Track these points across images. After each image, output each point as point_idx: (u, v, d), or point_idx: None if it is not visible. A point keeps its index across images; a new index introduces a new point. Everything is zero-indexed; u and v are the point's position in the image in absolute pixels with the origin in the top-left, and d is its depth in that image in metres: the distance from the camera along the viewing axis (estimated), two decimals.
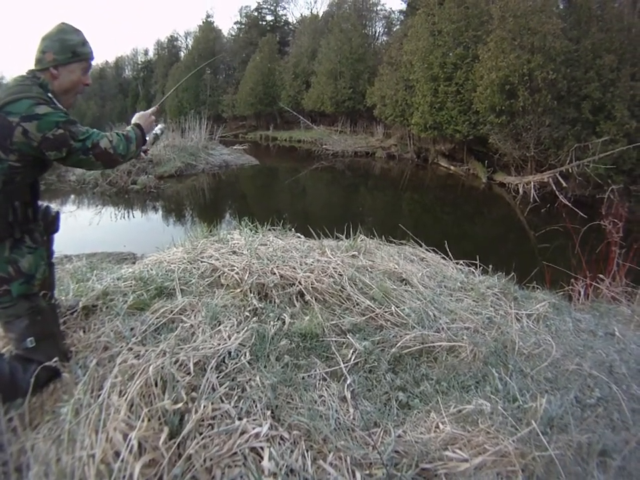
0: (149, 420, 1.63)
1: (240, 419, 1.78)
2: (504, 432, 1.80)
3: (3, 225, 2.02)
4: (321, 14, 38.94)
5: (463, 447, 1.77)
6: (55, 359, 2.07)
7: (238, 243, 3.64)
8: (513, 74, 13.58)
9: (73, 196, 14.60)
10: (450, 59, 17.57)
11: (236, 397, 1.93)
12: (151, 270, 3.25)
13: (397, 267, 3.50)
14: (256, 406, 1.88)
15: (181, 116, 23.96)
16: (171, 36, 54.59)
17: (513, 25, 14.00)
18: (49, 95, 2.09)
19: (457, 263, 4.12)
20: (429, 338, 2.52)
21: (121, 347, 2.26)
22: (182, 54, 51.89)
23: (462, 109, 16.82)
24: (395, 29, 30.97)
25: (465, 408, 1.98)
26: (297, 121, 31.64)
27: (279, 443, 1.69)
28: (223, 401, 1.88)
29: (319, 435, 1.77)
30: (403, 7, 31.34)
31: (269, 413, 1.84)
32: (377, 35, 33.48)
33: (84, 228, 10.18)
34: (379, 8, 33.31)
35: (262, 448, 1.64)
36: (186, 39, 53.80)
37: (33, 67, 2.18)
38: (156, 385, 1.82)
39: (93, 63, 2.32)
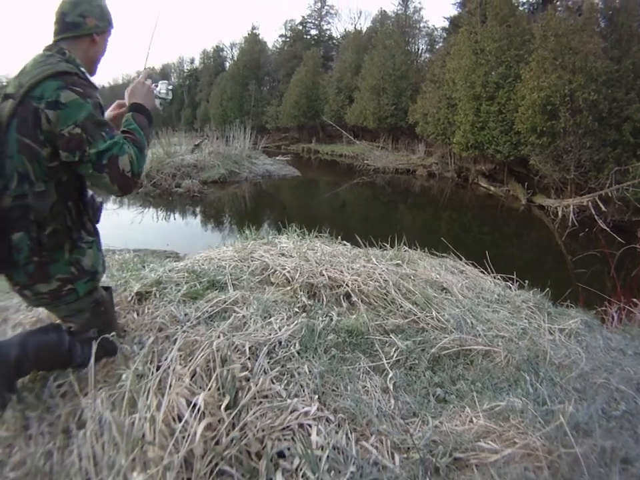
0: (209, 389, 1.78)
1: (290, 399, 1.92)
2: (533, 428, 1.91)
3: (63, 229, 1.94)
4: (364, 29, 39.34)
5: (494, 439, 1.89)
6: (113, 334, 2.12)
7: (286, 247, 3.84)
8: (555, 94, 13.36)
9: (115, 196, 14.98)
10: (492, 78, 17.43)
11: (285, 381, 2.07)
12: (202, 265, 3.44)
13: (438, 276, 3.67)
14: (304, 391, 2.03)
15: (225, 124, 24.37)
16: (217, 46, 56.30)
17: (554, 44, 13.80)
18: (82, 69, 1.95)
19: (495, 277, 4.23)
20: (467, 342, 2.66)
21: (176, 329, 2.41)
22: (227, 64, 52.98)
23: (503, 128, 16.62)
24: (437, 47, 30.82)
25: (498, 405, 2.11)
26: (339, 135, 31.76)
27: (325, 424, 1.83)
28: (273, 383, 2.02)
29: (362, 419, 1.92)
30: (446, 24, 31.21)
31: (316, 397, 1.98)
32: (419, 52, 33.45)
33: (126, 226, 10.52)
34: (421, 25, 33.39)
35: (310, 425, 1.77)
36: (231, 49, 55.25)
37: (56, 35, 2.00)
38: (214, 361, 1.98)
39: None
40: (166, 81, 2.44)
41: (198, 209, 13.96)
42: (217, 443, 1.61)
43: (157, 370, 1.99)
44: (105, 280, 2.75)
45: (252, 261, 3.55)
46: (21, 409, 1.91)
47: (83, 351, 2.06)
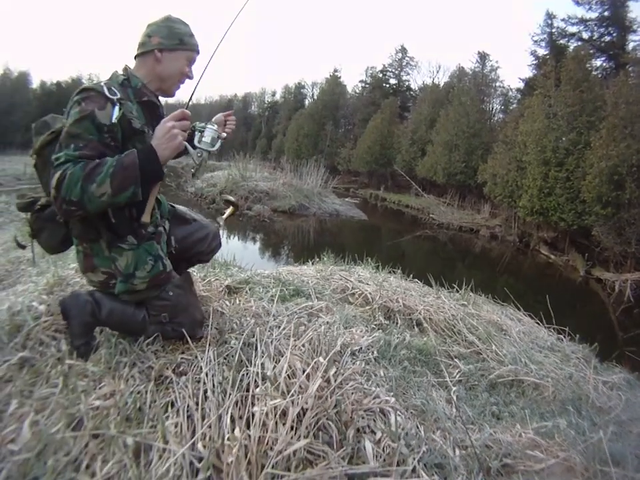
0: (315, 363, 2.10)
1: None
2: (574, 445, 2.19)
3: (87, 227, 2.05)
4: (442, 84, 39.48)
5: (540, 451, 2.16)
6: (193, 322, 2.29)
7: (362, 275, 4.27)
8: (622, 164, 13.12)
9: (188, 207, 15.64)
10: (563, 144, 17.11)
11: (365, 378, 2.41)
12: (287, 276, 3.85)
13: (499, 319, 4.04)
14: (379, 389, 2.34)
15: (299, 159, 24.96)
16: (299, 83, 57.98)
17: (625, 112, 13.63)
18: (128, 89, 2.08)
19: (548, 329, 4.52)
20: (520, 374, 3.01)
21: (271, 319, 2.67)
22: (306, 101, 54.34)
23: (570, 196, 16.22)
24: (511, 107, 30.71)
25: (545, 426, 2.41)
26: (408, 186, 31.82)
27: (399, 414, 2.13)
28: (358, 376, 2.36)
29: (430, 416, 2.27)
30: (521, 85, 31.08)
31: (391, 394, 2.31)
32: (493, 111, 33.11)
33: None
34: (497, 84, 33.03)
35: (389, 412, 2.09)
36: (312, 88, 56.76)
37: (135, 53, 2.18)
38: (318, 341, 2.39)
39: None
40: (215, 128, 2.25)
41: (265, 233, 14.55)
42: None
43: (264, 343, 2.27)
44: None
45: (332, 280, 3.97)
46: (112, 352, 2.13)
47: (154, 330, 2.25)
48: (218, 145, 2.23)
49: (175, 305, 2.24)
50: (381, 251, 16.21)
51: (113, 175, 1.78)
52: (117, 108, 1.92)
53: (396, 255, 15.96)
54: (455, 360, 3.09)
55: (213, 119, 2.54)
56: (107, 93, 1.91)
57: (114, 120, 1.90)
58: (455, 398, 2.61)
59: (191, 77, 2.27)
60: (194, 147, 2.22)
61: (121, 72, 2.15)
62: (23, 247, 2.16)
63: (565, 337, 4.29)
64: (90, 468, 1.56)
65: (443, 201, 28.50)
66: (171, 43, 2.14)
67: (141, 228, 2.13)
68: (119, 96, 1.95)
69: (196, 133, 2.21)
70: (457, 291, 4.79)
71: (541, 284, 14.31)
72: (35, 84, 50.73)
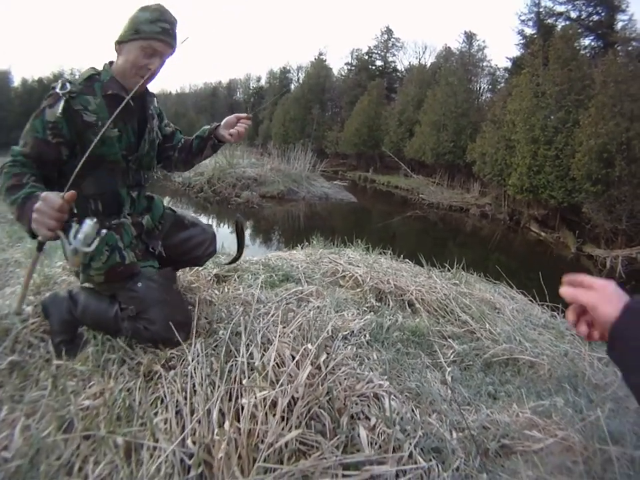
0: (304, 350, 2.08)
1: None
2: (572, 424, 2.17)
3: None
4: (428, 64, 39.59)
5: (538, 431, 2.14)
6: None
7: (353, 257, 4.22)
8: (611, 142, 13.33)
9: (175, 197, 15.54)
10: (551, 122, 17.32)
11: (358, 362, 2.38)
12: (276, 261, 3.82)
13: (492, 297, 3.99)
14: (372, 373, 2.29)
15: (286, 144, 24.90)
16: (284, 67, 57.34)
17: (613, 91, 13.82)
18: (96, 83, 2.05)
19: (541, 306, 4.49)
20: (515, 352, 2.97)
21: (260, 307, 2.64)
22: (292, 86, 53.82)
23: (559, 174, 16.43)
24: (499, 87, 30.72)
25: (542, 405, 2.39)
26: (397, 167, 31.76)
27: (393, 399, 2.10)
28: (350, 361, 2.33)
29: (425, 399, 2.23)
30: (508, 64, 31.20)
31: (385, 377, 2.28)
32: (481, 90, 33.27)
33: None
34: (484, 64, 33.15)
35: (383, 396, 2.05)
36: (297, 72, 56.35)
37: None
38: (308, 327, 2.34)
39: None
40: (94, 222, 1.74)
41: (255, 219, 14.47)
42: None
43: (253, 331, 2.24)
44: None
45: (322, 264, 3.92)
46: (99, 349, 2.11)
47: (127, 328, 2.14)
48: (95, 244, 1.73)
49: (142, 298, 2.10)
50: (372, 232, 16.22)
51: (16, 205, 1.75)
52: (61, 103, 1.91)
53: (386, 236, 15.99)
54: (449, 340, 3.04)
55: (223, 121, 2.46)
56: (58, 89, 1.94)
57: (58, 114, 1.90)
58: (449, 379, 2.58)
59: (152, 69, 2.06)
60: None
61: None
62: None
63: (558, 313, 4.25)
64: (82, 470, 1.54)
65: (432, 180, 28.59)
66: (126, 34, 2.03)
67: (105, 221, 2.07)
68: (67, 89, 1.93)
69: (73, 224, 1.74)
70: (449, 270, 4.75)
71: (532, 261, 14.45)
72: (17, 82, 49.40)
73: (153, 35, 2.00)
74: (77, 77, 2.07)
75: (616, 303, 0.89)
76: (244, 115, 2.45)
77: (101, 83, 2.06)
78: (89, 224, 1.72)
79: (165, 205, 2.58)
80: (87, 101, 1.98)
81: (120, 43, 2.05)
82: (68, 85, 1.94)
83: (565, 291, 0.99)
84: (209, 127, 2.53)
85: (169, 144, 2.55)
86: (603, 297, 0.92)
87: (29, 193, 1.75)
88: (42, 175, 1.92)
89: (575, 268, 14.04)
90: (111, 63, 2.14)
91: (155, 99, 2.43)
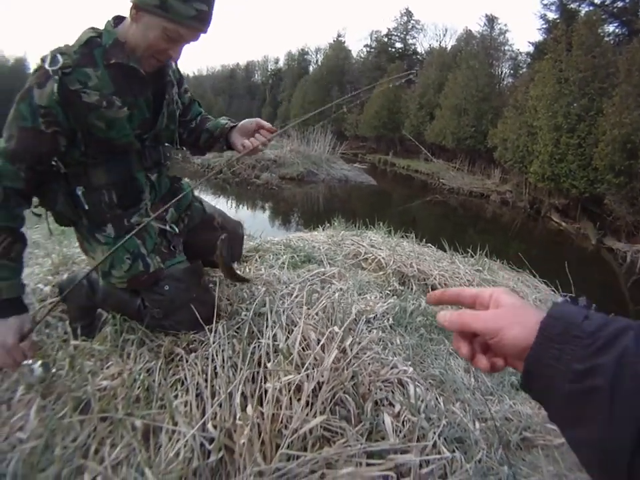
0: (330, 332, 2.00)
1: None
2: None
3: (65, 205, 1.82)
4: (449, 47, 39.02)
5: None
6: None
7: (375, 240, 4.13)
8: (635, 132, 12.97)
9: (195, 179, 15.57)
10: (574, 110, 16.90)
11: (382, 347, 2.29)
12: (297, 242, 3.74)
13: (515, 286, 3.91)
14: (396, 358, 2.23)
15: (305, 126, 24.81)
16: (302, 49, 57.25)
17: (638, 80, 13.46)
18: (95, 50, 1.64)
19: (565, 297, 4.37)
20: None
21: (283, 288, 2.51)
22: (311, 68, 53.69)
23: (581, 163, 16.06)
24: (521, 72, 30.12)
25: None
26: (417, 151, 31.23)
27: (417, 385, 2.03)
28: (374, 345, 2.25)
29: (449, 387, 2.15)
30: (531, 49, 30.34)
31: (409, 363, 2.19)
32: (503, 75, 32.52)
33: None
34: (506, 48, 32.35)
35: (407, 382, 1.98)
36: (316, 54, 56.11)
37: None
38: (332, 308, 2.27)
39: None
40: (46, 362, 1.76)
41: (273, 201, 14.48)
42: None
43: (277, 312, 2.14)
44: None
45: (344, 246, 3.84)
46: (118, 329, 2.00)
47: (150, 324, 1.98)
48: (40, 378, 1.71)
49: (171, 300, 1.91)
50: (392, 216, 16.10)
51: None
52: (53, 83, 1.55)
53: (407, 220, 15.89)
54: None
55: (240, 124, 2.05)
56: (47, 65, 1.55)
57: (53, 97, 1.55)
58: (473, 367, 2.49)
59: (172, 57, 1.71)
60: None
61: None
62: (39, 215, 1.96)
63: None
64: (98, 453, 1.49)
65: (453, 165, 28.29)
66: (149, 2, 1.54)
67: (124, 217, 1.88)
68: (59, 64, 1.55)
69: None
70: (472, 256, 4.67)
71: (552, 251, 14.23)
72: (32, 68, 49.60)
73: (183, 19, 1.57)
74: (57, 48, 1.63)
75: (525, 320, 0.61)
76: (268, 124, 1.99)
77: (102, 48, 1.65)
78: (39, 370, 1.70)
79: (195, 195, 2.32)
80: (85, 75, 1.60)
81: (138, 9, 1.58)
82: (59, 58, 1.56)
83: (444, 317, 0.70)
84: (223, 121, 2.15)
85: (183, 118, 2.16)
86: (503, 314, 0.64)
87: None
88: (33, 181, 1.66)
89: (595, 260, 13.92)
90: (117, 20, 1.74)
91: (174, 62, 1.95)
